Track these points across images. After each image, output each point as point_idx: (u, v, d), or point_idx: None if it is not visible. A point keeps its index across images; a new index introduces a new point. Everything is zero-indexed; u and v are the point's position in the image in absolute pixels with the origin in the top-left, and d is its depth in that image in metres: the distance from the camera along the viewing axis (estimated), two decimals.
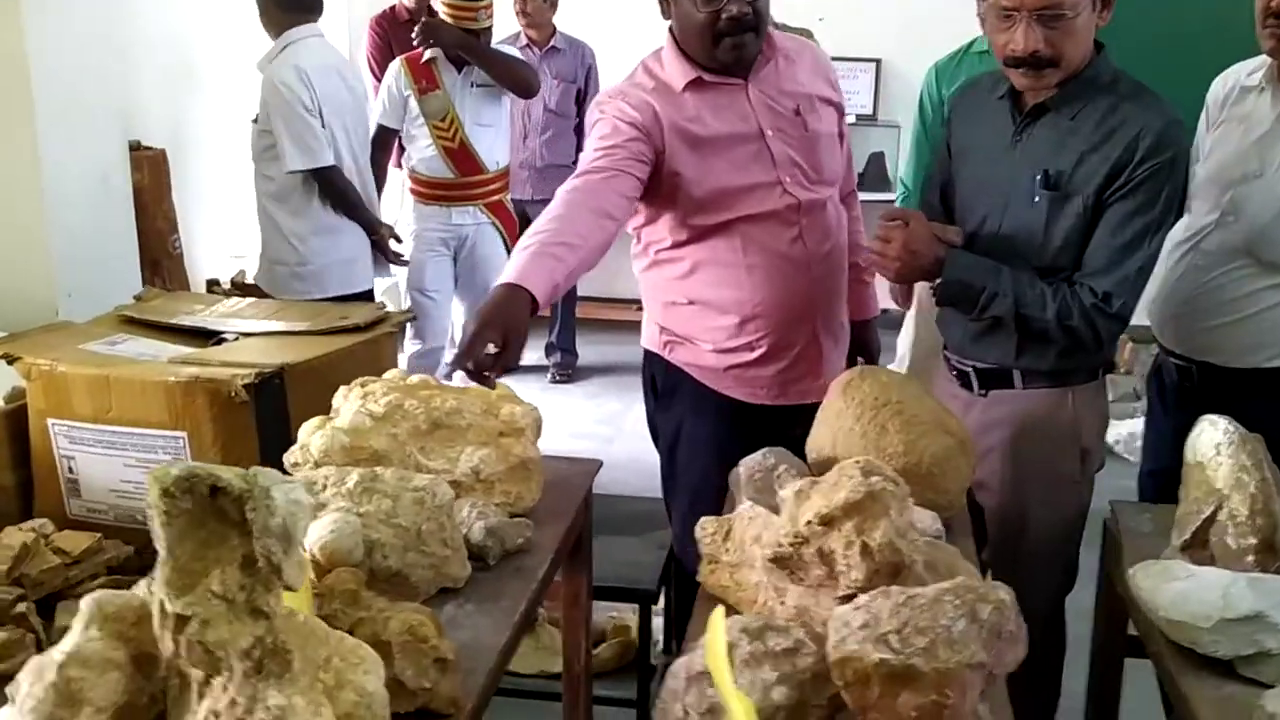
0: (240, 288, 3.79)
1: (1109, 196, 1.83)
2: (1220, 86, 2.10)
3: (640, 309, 2.24)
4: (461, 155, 3.90)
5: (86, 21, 2.78)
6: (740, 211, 2.00)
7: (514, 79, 3.87)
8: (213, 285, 3.84)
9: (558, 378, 5.17)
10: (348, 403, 1.77)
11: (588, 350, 5.34)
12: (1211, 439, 1.53)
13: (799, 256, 2.02)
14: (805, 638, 1.14)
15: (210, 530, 0.93)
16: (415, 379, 1.89)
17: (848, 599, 1.22)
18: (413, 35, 3.82)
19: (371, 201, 3.58)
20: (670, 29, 2.05)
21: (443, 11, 3.79)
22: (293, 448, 1.71)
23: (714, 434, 2.09)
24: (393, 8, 4.76)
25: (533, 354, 5.19)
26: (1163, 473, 2.08)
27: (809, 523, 1.21)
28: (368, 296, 3.43)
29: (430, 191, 3.93)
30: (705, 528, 1.52)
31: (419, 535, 1.50)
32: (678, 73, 2.01)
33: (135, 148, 3.26)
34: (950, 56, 3.90)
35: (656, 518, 2.41)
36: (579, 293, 5.15)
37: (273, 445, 1.79)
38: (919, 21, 5.22)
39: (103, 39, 2.86)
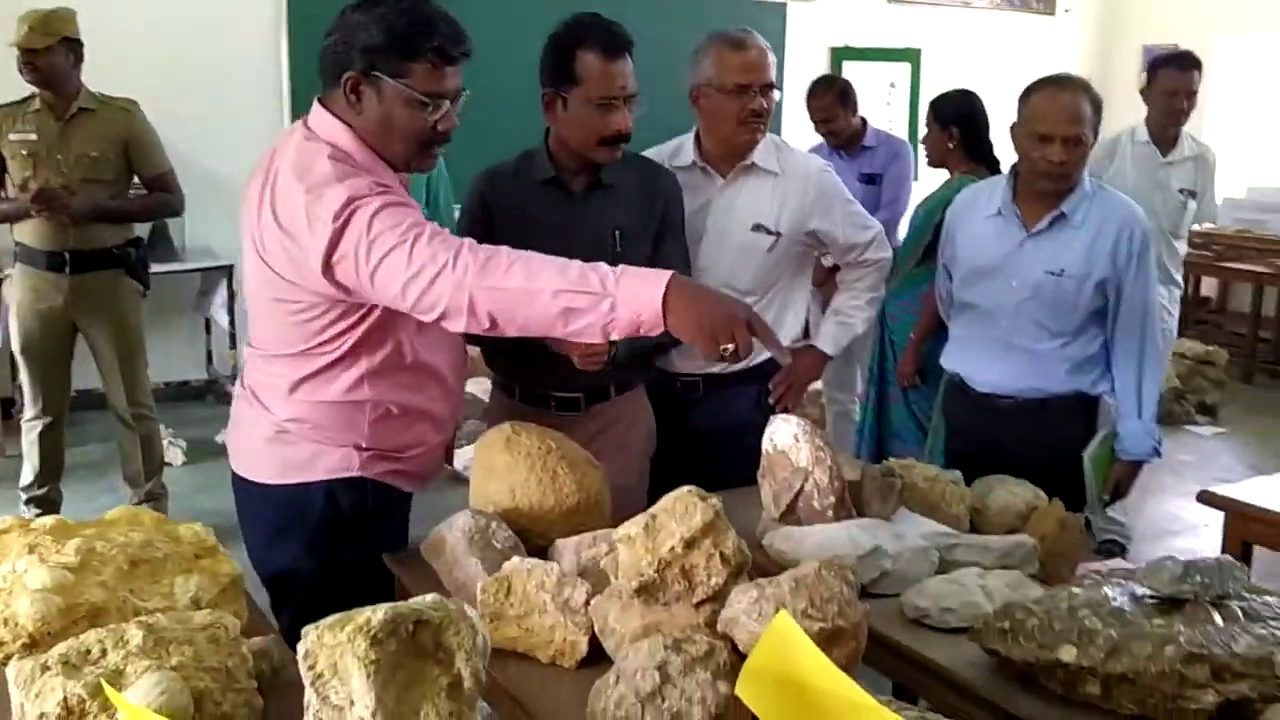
0: None
1: (660, 234, 2.44)
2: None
3: None
4: None
5: None
6: None
7: None
8: None
9: None
10: (9, 563, 1.50)
11: None
12: (789, 431, 2.05)
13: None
14: (707, 638, 1.39)
15: (409, 670, 0.92)
16: (50, 520, 1.65)
17: (705, 602, 1.50)
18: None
19: None
20: None
21: None
22: None
23: (396, 528, 2.15)
24: None
25: None
26: None
27: (672, 549, 1.46)
28: None
29: None
30: (486, 589, 1.63)
31: (229, 673, 1.39)
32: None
33: None
34: None
35: None
36: None
37: None
38: None
39: None
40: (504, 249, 1.74)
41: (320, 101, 1.93)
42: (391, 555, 2.01)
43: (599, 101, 2.24)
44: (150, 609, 1.53)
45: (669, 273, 1.69)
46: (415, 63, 1.84)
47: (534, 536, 1.93)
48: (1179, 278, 4.52)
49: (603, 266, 1.71)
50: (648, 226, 2.42)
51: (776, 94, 2.60)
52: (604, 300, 1.67)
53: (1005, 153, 3.96)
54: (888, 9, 7.42)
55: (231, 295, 5.57)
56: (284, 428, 1.99)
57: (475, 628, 0.94)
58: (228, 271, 5.54)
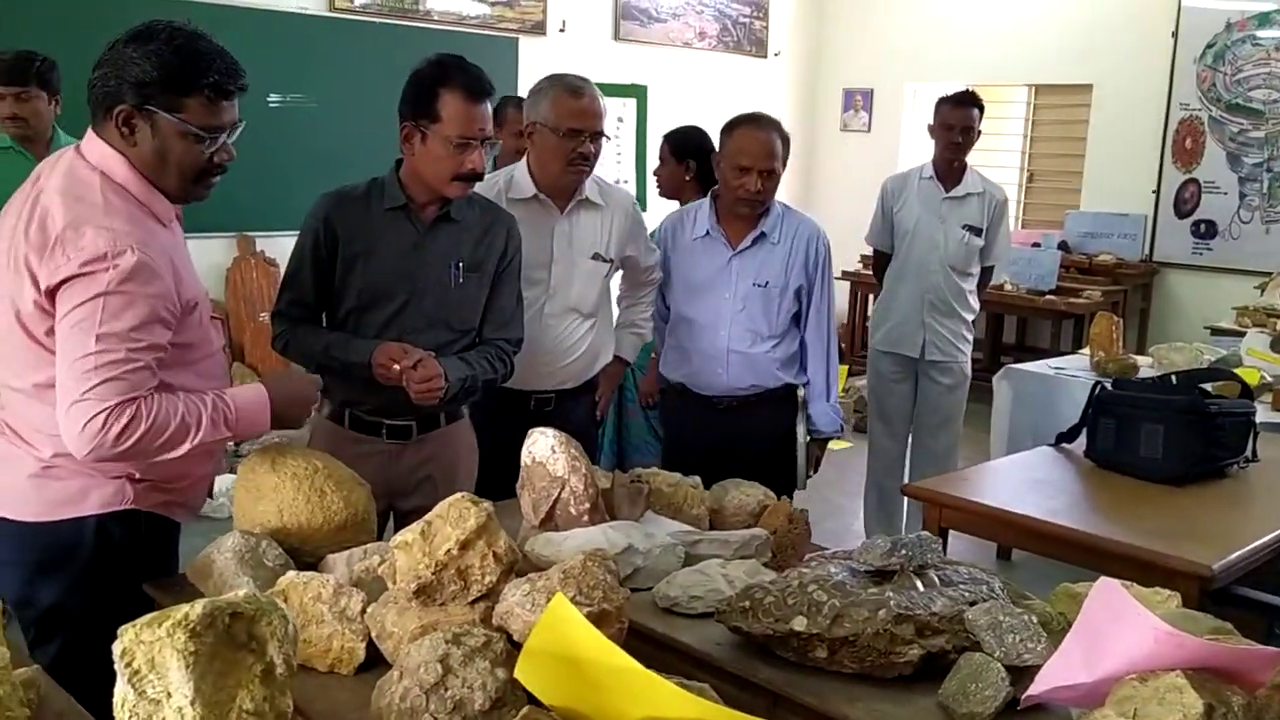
0: None
1: (499, 273, 2.58)
2: None
3: None
4: None
5: None
6: None
7: None
8: None
9: None
10: None
11: None
12: (547, 443, 2.19)
13: None
14: (484, 631, 1.51)
15: (224, 659, 0.99)
16: None
17: (479, 600, 1.61)
18: None
19: None
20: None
21: None
22: None
23: (169, 559, 2.13)
24: None
25: None
26: None
27: (448, 551, 1.56)
28: None
29: None
30: None
31: (1, 702, 1.38)
32: None
33: None
34: None
35: None
36: None
37: None
38: None
39: None
40: (157, 408, 1.80)
41: (94, 130, 1.92)
42: (153, 583, 1.99)
43: (458, 140, 2.36)
44: None
45: (265, 393, 1.96)
46: (190, 98, 1.86)
47: (303, 554, 1.98)
48: (968, 316, 4.47)
49: (219, 404, 1.88)
50: (487, 263, 2.55)
51: (604, 141, 2.82)
52: (228, 436, 1.91)
53: None
54: (615, 46, 7.76)
55: None
56: (52, 464, 1.92)
57: (286, 618, 1.02)
58: None
